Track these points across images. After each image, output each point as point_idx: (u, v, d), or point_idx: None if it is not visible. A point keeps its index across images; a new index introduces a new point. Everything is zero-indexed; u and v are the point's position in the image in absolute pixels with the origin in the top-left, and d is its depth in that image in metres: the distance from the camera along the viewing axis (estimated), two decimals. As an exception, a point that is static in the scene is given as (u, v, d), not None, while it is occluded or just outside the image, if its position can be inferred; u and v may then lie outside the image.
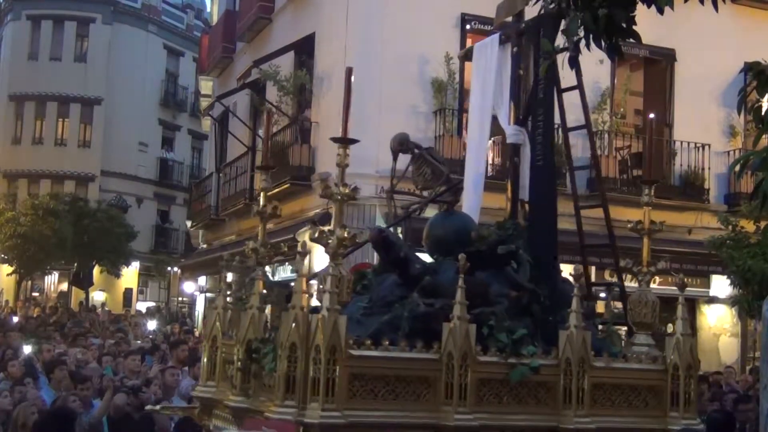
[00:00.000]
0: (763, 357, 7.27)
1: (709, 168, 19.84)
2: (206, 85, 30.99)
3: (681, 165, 19.91)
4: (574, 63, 6.02)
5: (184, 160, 46.25)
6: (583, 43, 5.98)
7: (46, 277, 40.18)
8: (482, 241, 7.12)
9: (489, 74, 8.18)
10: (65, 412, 7.90)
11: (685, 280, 20.28)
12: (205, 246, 29.50)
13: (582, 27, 5.82)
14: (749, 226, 14.59)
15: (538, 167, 7.50)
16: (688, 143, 19.80)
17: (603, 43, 5.90)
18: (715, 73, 19.55)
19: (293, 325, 5.67)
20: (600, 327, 7.59)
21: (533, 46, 7.81)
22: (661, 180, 19.93)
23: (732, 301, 17.09)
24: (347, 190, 6.12)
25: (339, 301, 5.81)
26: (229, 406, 6.42)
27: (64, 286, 40.91)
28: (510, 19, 8.16)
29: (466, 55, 9.00)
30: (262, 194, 7.26)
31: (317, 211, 18.32)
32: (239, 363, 6.37)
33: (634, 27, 5.89)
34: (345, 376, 5.67)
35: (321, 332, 5.54)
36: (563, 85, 7.75)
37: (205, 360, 7.03)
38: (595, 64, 15.87)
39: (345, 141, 6.27)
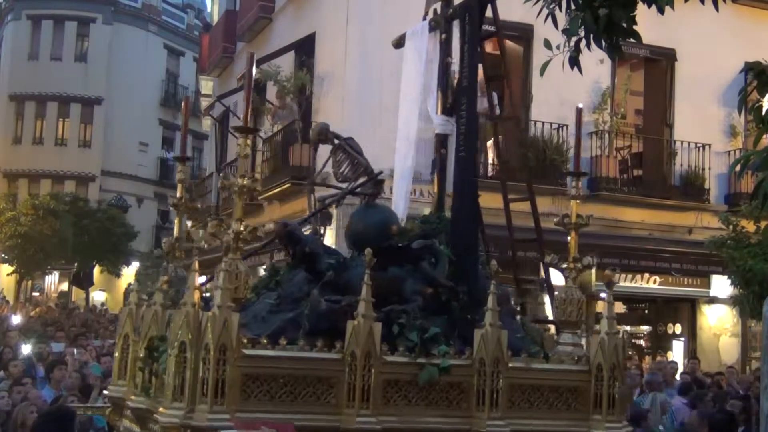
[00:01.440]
0: (763, 357, 7.22)
1: (709, 168, 19.83)
2: (207, 85, 30.98)
3: (681, 165, 19.89)
4: (574, 63, 6.01)
5: (193, 163, 46.27)
6: (583, 42, 5.98)
7: (46, 276, 40.13)
8: (404, 235, 6.84)
9: (419, 62, 7.94)
10: (64, 412, 7.89)
11: (684, 280, 20.08)
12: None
13: (582, 27, 5.82)
14: (750, 226, 14.58)
15: (461, 158, 7.14)
16: (689, 143, 19.79)
17: (603, 43, 5.90)
18: (715, 73, 19.56)
19: (183, 323, 5.40)
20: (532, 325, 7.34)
21: (461, 33, 7.46)
22: (661, 180, 19.98)
23: (732, 301, 17.08)
24: (246, 182, 5.85)
25: (238, 297, 5.55)
26: (129, 407, 6.22)
27: (65, 286, 40.87)
28: (439, 5, 7.90)
29: (399, 43, 8.49)
30: (179, 186, 6.99)
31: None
32: (140, 362, 6.15)
33: (634, 26, 5.88)
34: (238, 377, 5.38)
35: (210, 330, 5.26)
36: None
37: (117, 358, 6.77)
38: (596, 63, 15.89)
39: (246, 131, 6.07)
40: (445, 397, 5.88)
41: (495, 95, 19.55)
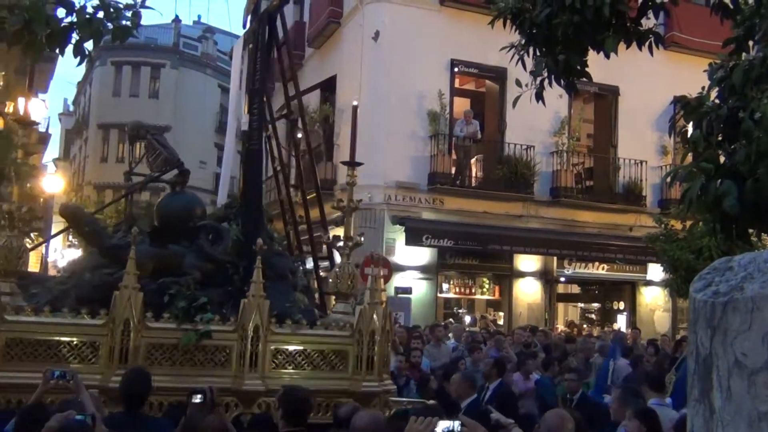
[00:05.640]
0: (690, 328, 7.13)
1: (646, 179, 19.76)
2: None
3: (623, 177, 19.84)
4: (539, 98, 6.00)
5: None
6: (546, 81, 5.96)
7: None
8: (207, 218, 6.41)
9: (237, 72, 7.60)
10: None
11: (626, 267, 19.78)
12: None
13: (545, 69, 5.81)
14: (677, 225, 14.55)
15: (251, 151, 6.78)
16: (629, 160, 19.74)
17: (562, 81, 5.88)
18: (650, 105, 19.51)
19: None
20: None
21: (254, 44, 7.14)
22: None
23: (664, 284, 17.03)
24: (25, 168, 5.41)
25: (12, 270, 5.17)
26: None
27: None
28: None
29: (230, 56, 8.45)
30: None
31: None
32: None
33: (586, 69, 5.87)
34: (2, 341, 4.99)
35: None
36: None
37: None
38: (557, 98, 15.81)
39: (26, 124, 5.68)
40: (211, 359, 5.48)
41: (476, 123, 19.48)
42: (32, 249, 5.92)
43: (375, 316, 5.81)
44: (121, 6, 3.28)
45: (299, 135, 8.15)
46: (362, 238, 6.47)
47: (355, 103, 7.36)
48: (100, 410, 4.58)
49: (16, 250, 5.24)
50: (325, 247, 7.67)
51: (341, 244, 6.39)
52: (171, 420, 4.89)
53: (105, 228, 6.44)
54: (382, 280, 6.11)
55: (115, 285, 5.32)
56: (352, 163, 6.72)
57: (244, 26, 7.71)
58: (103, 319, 5.23)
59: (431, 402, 6.98)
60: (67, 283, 5.83)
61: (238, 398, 5.43)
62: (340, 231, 6.77)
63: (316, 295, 7.36)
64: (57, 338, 5.15)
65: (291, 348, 5.66)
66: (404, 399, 6.96)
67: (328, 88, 20.09)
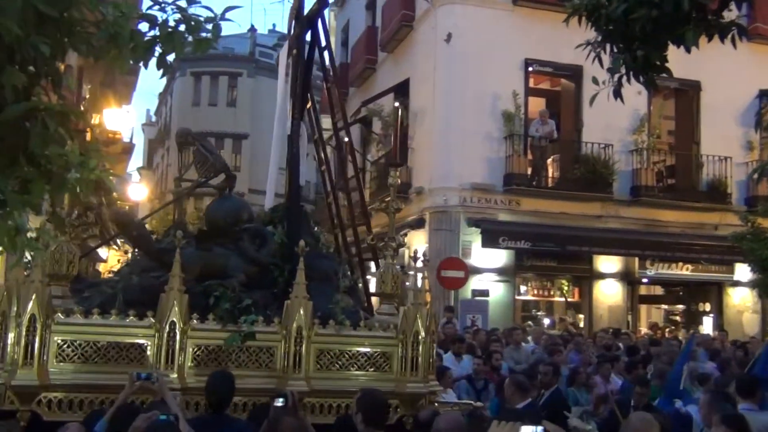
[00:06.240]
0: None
1: (731, 176, 19.15)
2: (326, 122, 31.35)
3: (707, 174, 19.28)
4: (617, 95, 5.90)
5: (310, 180, 46.80)
6: (624, 78, 5.86)
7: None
8: (254, 222, 6.42)
9: (282, 77, 7.62)
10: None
11: (712, 267, 19.35)
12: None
13: (623, 65, 5.71)
14: (765, 222, 14.06)
15: (294, 155, 6.80)
16: (713, 156, 19.16)
17: (641, 78, 5.77)
18: (734, 99, 18.89)
19: (3, 296, 5.15)
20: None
21: (299, 49, 7.13)
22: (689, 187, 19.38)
23: (752, 284, 16.49)
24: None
25: (63, 274, 5.22)
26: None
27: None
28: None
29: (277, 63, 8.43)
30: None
31: (414, 217, 18.36)
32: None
33: (666, 64, 5.74)
34: (54, 342, 5.07)
35: (20, 301, 4.97)
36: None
37: None
38: (635, 94, 15.53)
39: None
40: (255, 360, 5.51)
41: (552, 122, 19.28)
42: (87, 253, 6.06)
43: (419, 317, 5.82)
44: (202, 19, 3.37)
45: (347, 141, 8.16)
46: (405, 239, 6.45)
47: (396, 104, 7.39)
48: (182, 411, 4.74)
49: (68, 256, 5.37)
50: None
51: (384, 244, 6.41)
52: (255, 422, 5.02)
53: (153, 233, 6.58)
54: (426, 280, 6.09)
55: (161, 288, 5.43)
56: (395, 164, 6.81)
57: (289, 32, 7.72)
58: (149, 321, 5.34)
59: (478, 404, 6.95)
60: (116, 286, 5.97)
61: None
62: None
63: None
64: (106, 339, 5.27)
65: (335, 349, 5.71)
66: (450, 401, 6.98)
67: (402, 91, 20.18)
